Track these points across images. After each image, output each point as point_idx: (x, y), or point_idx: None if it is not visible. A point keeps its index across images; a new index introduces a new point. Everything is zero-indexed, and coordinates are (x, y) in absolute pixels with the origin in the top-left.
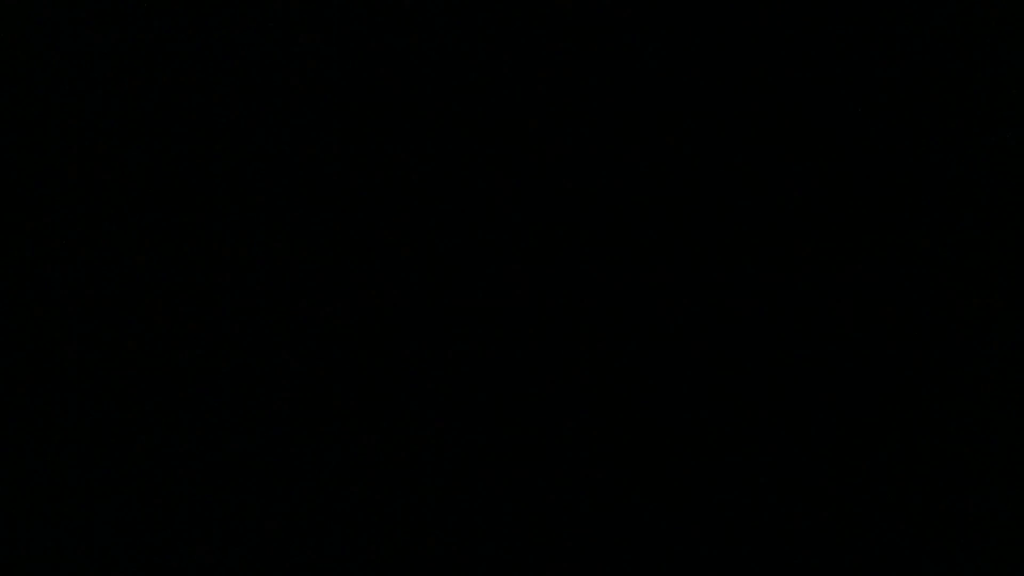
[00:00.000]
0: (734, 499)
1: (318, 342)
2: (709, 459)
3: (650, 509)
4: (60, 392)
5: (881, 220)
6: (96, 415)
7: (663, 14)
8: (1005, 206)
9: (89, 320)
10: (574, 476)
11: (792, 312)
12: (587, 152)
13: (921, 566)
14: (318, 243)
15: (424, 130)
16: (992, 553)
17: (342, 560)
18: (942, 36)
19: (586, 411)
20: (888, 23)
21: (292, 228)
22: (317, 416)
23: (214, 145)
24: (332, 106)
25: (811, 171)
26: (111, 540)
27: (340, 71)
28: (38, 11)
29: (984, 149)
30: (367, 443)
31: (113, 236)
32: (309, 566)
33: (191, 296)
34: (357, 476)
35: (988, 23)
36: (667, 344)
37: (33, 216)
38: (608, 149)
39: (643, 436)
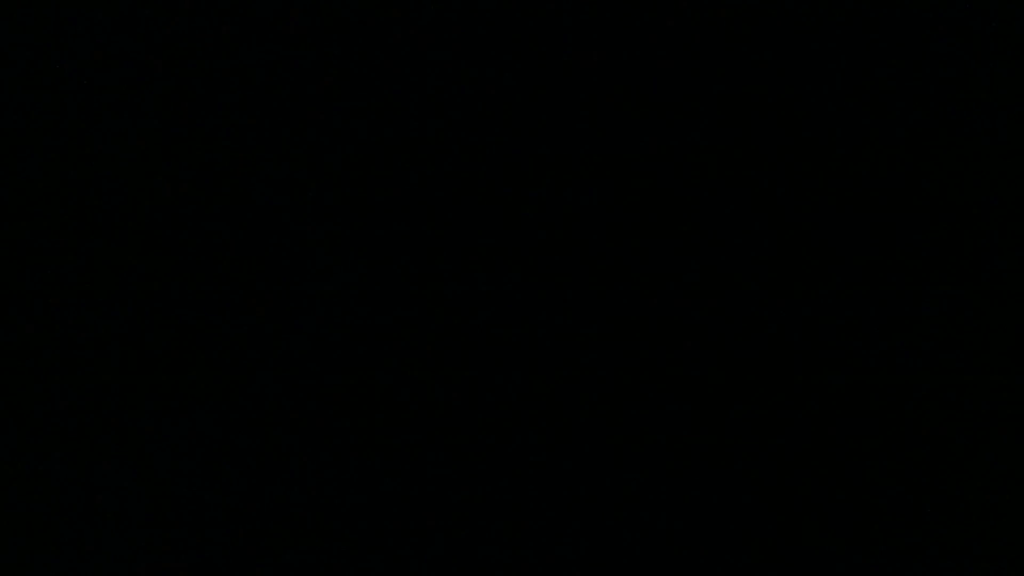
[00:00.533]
0: (734, 500)
1: (317, 342)
2: (708, 459)
3: (649, 509)
4: (60, 391)
5: (880, 220)
6: (96, 414)
7: (663, 15)
8: (1005, 206)
9: (89, 320)
10: (573, 476)
11: (792, 313)
12: (587, 153)
13: (920, 565)
14: (318, 243)
15: (424, 131)
16: (992, 553)
17: (342, 560)
18: (942, 36)
19: (585, 411)
20: (888, 24)
21: (292, 228)
22: (317, 416)
23: (214, 145)
24: (332, 106)
25: (810, 172)
26: (111, 540)
27: (340, 71)
28: (38, 11)
29: (984, 149)
30: (366, 443)
31: (113, 236)
32: (309, 566)
33: (190, 296)
34: (357, 476)
35: (988, 23)
36: (666, 345)
37: (33, 216)
38: (608, 150)
39: (642, 436)
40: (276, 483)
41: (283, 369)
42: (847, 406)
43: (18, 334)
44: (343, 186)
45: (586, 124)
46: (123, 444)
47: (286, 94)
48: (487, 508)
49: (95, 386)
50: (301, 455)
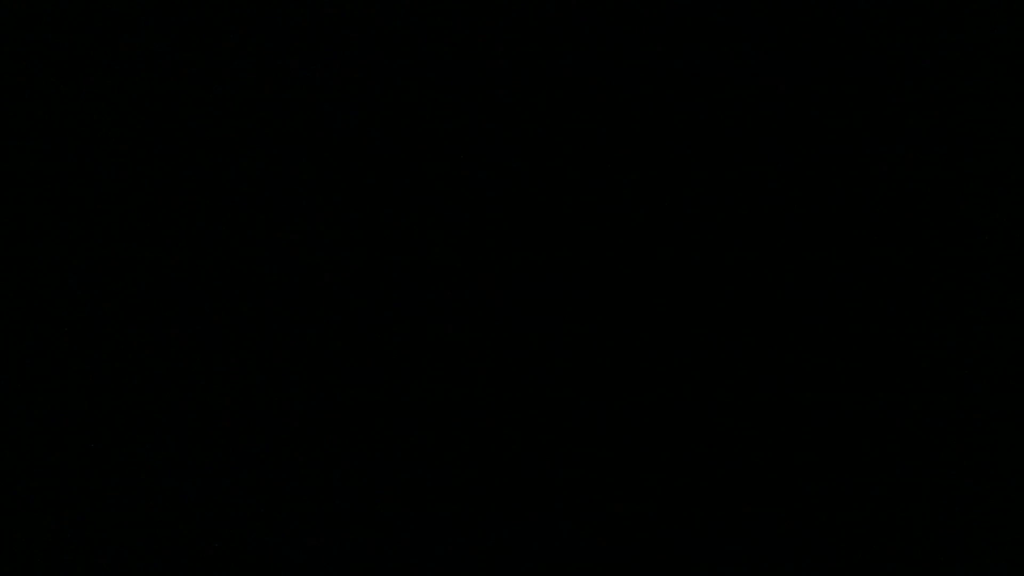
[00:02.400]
0: (734, 500)
1: (317, 342)
2: (708, 459)
3: (649, 509)
4: (59, 391)
5: (880, 220)
6: (96, 415)
7: (663, 15)
8: (1005, 206)
9: (89, 320)
10: (573, 476)
11: (791, 313)
12: (587, 153)
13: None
14: (318, 243)
15: (424, 131)
16: (992, 553)
17: (342, 560)
18: (942, 36)
19: (585, 412)
20: (888, 23)
21: (292, 228)
22: (316, 416)
23: (214, 145)
24: (332, 106)
25: (810, 172)
26: (110, 540)
27: (340, 71)
28: (38, 11)
29: (984, 149)
30: (366, 443)
31: (113, 236)
32: (308, 566)
33: (190, 296)
34: (356, 476)
35: (988, 23)
36: (666, 345)
37: (33, 216)
38: (608, 150)
39: (642, 436)
40: (275, 484)
41: (282, 369)
42: (847, 406)
43: (18, 334)
44: (342, 186)
45: (586, 125)
46: (122, 444)
47: (285, 94)
48: (486, 508)
49: (94, 386)
50: (299, 456)
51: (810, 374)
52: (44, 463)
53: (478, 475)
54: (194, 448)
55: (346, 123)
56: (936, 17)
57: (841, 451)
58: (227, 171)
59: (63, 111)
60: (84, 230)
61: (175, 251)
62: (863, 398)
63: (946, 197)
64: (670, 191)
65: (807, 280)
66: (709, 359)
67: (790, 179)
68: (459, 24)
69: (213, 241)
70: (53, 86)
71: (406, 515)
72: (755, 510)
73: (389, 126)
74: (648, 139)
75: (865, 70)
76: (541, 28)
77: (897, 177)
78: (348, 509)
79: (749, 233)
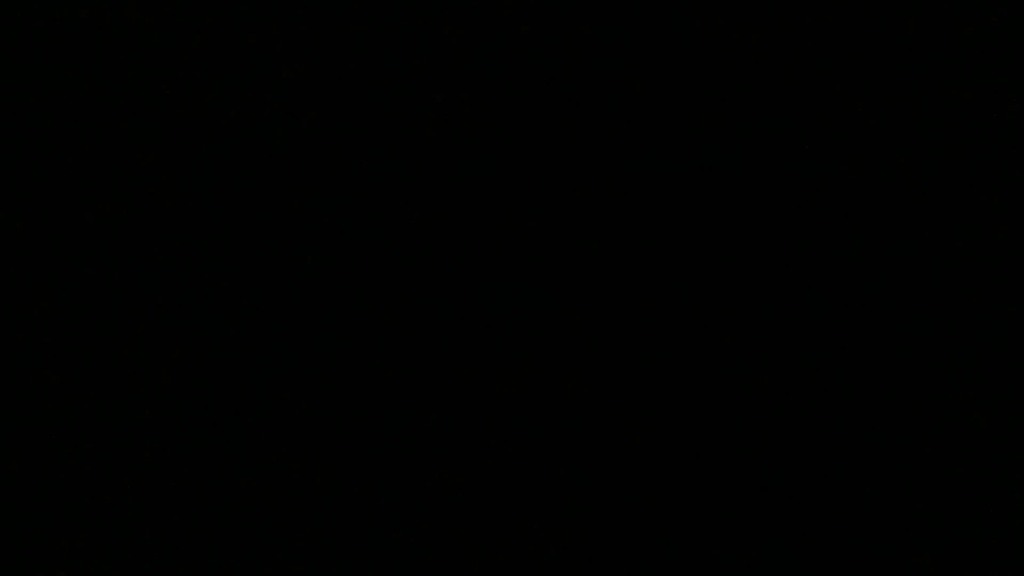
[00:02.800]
0: (734, 499)
1: (318, 343)
2: (708, 459)
3: (650, 510)
4: (60, 392)
5: (880, 220)
6: (94, 415)
7: (663, 14)
8: (1005, 206)
9: (88, 320)
10: (574, 477)
11: (791, 313)
12: (587, 153)
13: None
14: (318, 243)
15: (423, 130)
16: (992, 553)
17: (341, 560)
18: (943, 36)
19: (586, 412)
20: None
21: (291, 228)
22: (316, 416)
23: (214, 145)
24: (332, 106)
25: (811, 172)
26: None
27: (340, 71)
28: (38, 11)
29: (984, 149)
30: (366, 443)
31: (112, 235)
32: (308, 566)
33: (191, 296)
34: (357, 476)
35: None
36: (667, 345)
37: (33, 216)
38: (608, 149)
39: (643, 436)
40: (274, 484)
41: (281, 369)
42: (847, 406)
43: (17, 334)
44: (343, 186)
45: (586, 125)
46: (121, 444)
47: (286, 94)
48: (487, 508)
49: (93, 386)
50: (299, 455)
51: (810, 374)
52: (44, 463)
53: (477, 475)
54: (193, 448)
55: (345, 123)
56: (936, 17)
57: (841, 451)
58: (227, 171)
59: (63, 111)
60: (84, 230)
61: (175, 251)
62: (863, 398)
63: (946, 197)
64: (670, 191)
65: (808, 281)
66: (709, 359)
67: (790, 179)
68: (459, 24)
69: (213, 241)
70: (53, 86)
71: (406, 515)
72: (754, 510)
73: (389, 126)
74: (648, 139)
75: (864, 70)
76: (541, 28)
77: (897, 177)
78: (347, 509)
79: (749, 234)
